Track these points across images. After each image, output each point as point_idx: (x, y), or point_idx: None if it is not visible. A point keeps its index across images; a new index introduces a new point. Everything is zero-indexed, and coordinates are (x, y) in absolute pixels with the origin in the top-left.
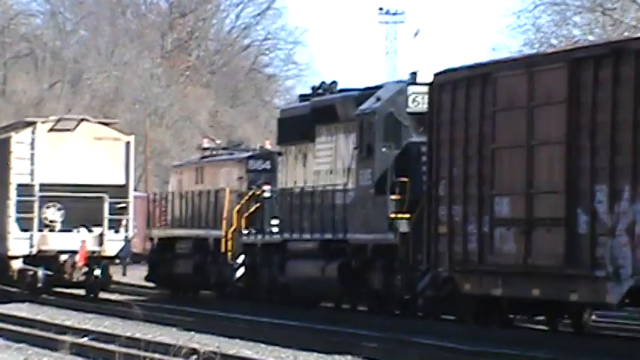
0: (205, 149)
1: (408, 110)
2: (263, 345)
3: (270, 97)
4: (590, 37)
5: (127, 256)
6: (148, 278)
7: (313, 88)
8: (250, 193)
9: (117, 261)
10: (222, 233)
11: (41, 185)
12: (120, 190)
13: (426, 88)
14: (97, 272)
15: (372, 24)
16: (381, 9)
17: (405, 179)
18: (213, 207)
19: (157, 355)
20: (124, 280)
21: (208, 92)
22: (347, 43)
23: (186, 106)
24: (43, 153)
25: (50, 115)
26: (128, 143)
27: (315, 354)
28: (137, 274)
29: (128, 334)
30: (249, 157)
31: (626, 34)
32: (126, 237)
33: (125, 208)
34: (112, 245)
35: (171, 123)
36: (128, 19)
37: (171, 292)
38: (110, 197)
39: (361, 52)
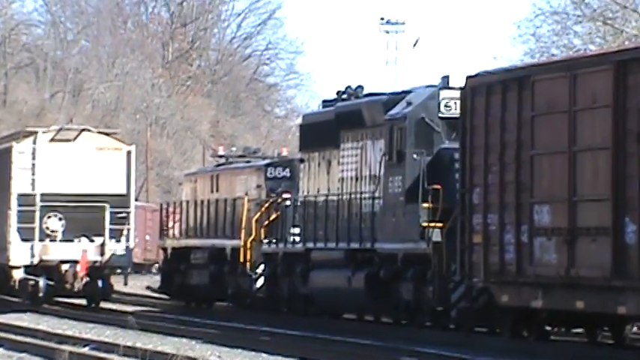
0: (221, 157)
1: (440, 115)
2: (265, 355)
3: (271, 107)
4: (591, 47)
5: (128, 266)
6: (160, 289)
7: (338, 93)
8: (270, 201)
9: (118, 271)
10: (241, 243)
11: (42, 195)
12: (121, 200)
13: (458, 93)
14: (99, 282)
15: (373, 34)
16: (382, 19)
17: (438, 187)
18: (230, 216)
19: None
20: (126, 289)
21: (209, 102)
22: (348, 52)
23: (188, 115)
24: (44, 163)
25: (51, 125)
26: (129, 153)
27: None
28: (138, 284)
29: (129, 344)
30: (268, 165)
31: (627, 43)
32: (127, 246)
33: (126, 217)
34: (114, 255)
35: (173, 133)
36: (129, 29)
37: (185, 304)
38: (111, 207)
39: (362, 62)
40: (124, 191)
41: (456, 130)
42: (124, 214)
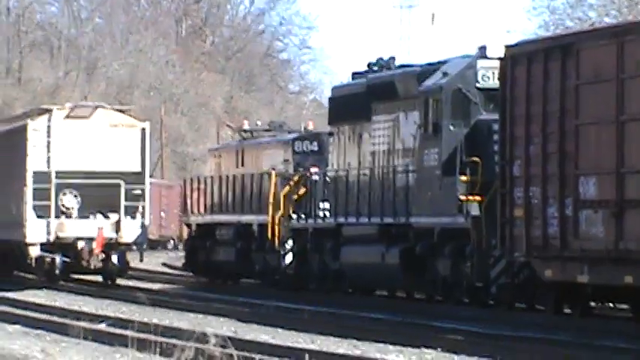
0: (246, 131)
1: (478, 86)
2: (280, 330)
3: (284, 83)
4: (606, 19)
5: (143, 243)
6: (185, 266)
7: (369, 65)
8: (298, 175)
9: (134, 247)
10: (269, 218)
11: (57, 172)
12: (136, 177)
13: (496, 63)
14: (114, 259)
15: (386, 8)
16: None
17: (477, 159)
18: (257, 191)
19: (170, 340)
20: (141, 266)
21: (223, 78)
22: (361, 28)
23: (201, 92)
24: (59, 140)
25: (66, 102)
26: (144, 130)
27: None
28: (154, 261)
29: (145, 320)
30: (296, 139)
31: None
32: (142, 223)
33: (141, 194)
34: (129, 232)
35: (187, 109)
36: (143, 6)
37: (210, 281)
38: (126, 184)
39: (375, 37)
40: (138, 168)
41: (494, 101)
42: (138, 191)
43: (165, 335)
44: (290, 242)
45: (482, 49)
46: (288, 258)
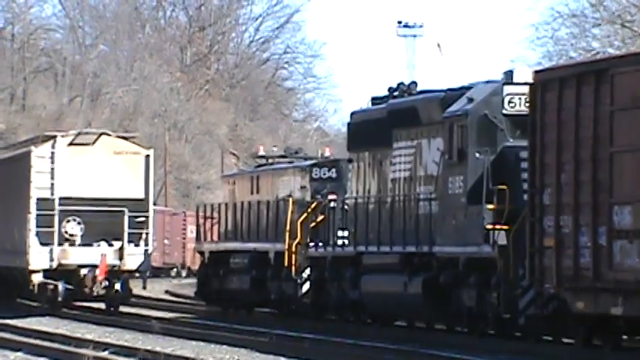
0: (261, 157)
1: (504, 112)
2: (282, 358)
3: (289, 111)
4: (610, 50)
5: (147, 270)
6: (197, 294)
7: (389, 90)
8: (316, 203)
9: (137, 275)
10: (285, 246)
11: (61, 199)
12: (139, 204)
13: (523, 89)
14: (117, 286)
15: (391, 37)
16: (399, 22)
17: (504, 187)
18: (273, 218)
19: None
20: (145, 293)
21: (227, 106)
22: (366, 56)
23: (206, 119)
24: (63, 167)
25: (70, 129)
26: (147, 157)
27: None
28: (157, 288)
29: (148, 348)
30: (314, 165)
31: None
32: (146, 251)
33: (145, 221)
34: (132, 259)
35: (191, 137)
36: (148, 33)
37: (223, 310)
38: (130, 211)
39: (380, 65)
40: (142, 195)
41: (520, 128)
42: (142, 218)
43: None
44: (307, 271)
45: (509, 74)
46: (306, 287)
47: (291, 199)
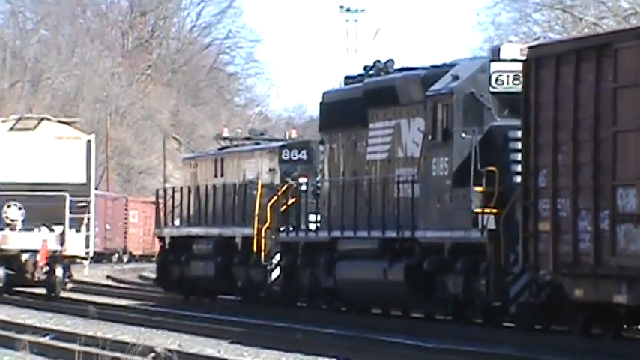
0: (225, 139)
1: (491, 90)
2: (225, 342)
3: (231, 96)
4: (551, 35)
5: (88, 255)
6: (157, 281)
7: (365, 68)
8: (286, 186)
9: (78, 260)
10: (254, 231)
11: (2, 184)
12: (81, 189)
13: (511, 65)
14: (59, 271)
15: (333, 22)
16: (341, 7)
17: (493, 169)
18: (240, 202)
19: (116, 354)
20: (86, 279)
21: (169, 91)
22: (307, 41)
23: (148, 105)
24: (4, 152)
25: (11, 114)
26: (89, 142)
27: None
28: (99, 273)
29: (89, 333)
30: (283, 147)
31: (586, 31)
32: (87, 236)
33: (86, 207)
34: (74, 244)
35: (133, 122)
36: (89, 18)
37: (185, 297)
38: (71, 196)
39: (322, 50)
40: (84, 180)
41: (508, 106)
42: (84, 204)
43: (110, 349)
44: (277, 256)
45: (496, 50)
46: (275, 273)
47: (259, 182)
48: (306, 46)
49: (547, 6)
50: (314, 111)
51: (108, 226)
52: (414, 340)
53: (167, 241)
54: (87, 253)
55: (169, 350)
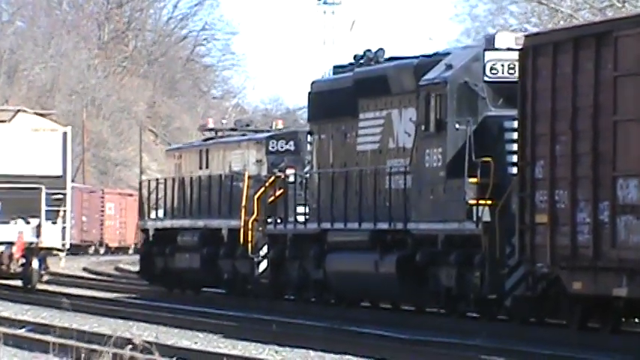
0: (210, 130)
1: (486, 79)
2: (201, 334)
3: (207, 88)
4: (527, 26)
5: (64, 247)
6: (140, 274)
7: (355, 57)
8: (273, 177)
9: (55, 252)
10: (241, 223)
11: None
12: (57, 181)
13: (505, 54)
14: (35, 264)
15: (310, 13)
16: None
17: (488, 159)
18: (226, 194)
19: (92, 346)
20: (62, 271)
21: (146, 83)
22: (284, 33)
23: (124, 96)
24: None
25: None
26: (65, 134)
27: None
28: (75, 265)
29: (65, 325)
30: (270, 137)
31: (562, 23)
32: (63, 228)
33: (62, 199)
34: (50, 236)
35: (109, 114)
36: (65, 9)
37: (168, 290)
38: (47, 188)
39: (298, 42)
40: (60, 172)
41: (503, 96)
42: (60, 196)
43: (86, 340)
44: (264, 248)
45: (490, 39)
46: (263, 265)
47: (246, 173)
48: (282, 39)
49: None
50: (290, 103)
51: (84, 218)
52: (398, 332)
53: (151, 233)
54: (63, 245)
55: (148, 342)
